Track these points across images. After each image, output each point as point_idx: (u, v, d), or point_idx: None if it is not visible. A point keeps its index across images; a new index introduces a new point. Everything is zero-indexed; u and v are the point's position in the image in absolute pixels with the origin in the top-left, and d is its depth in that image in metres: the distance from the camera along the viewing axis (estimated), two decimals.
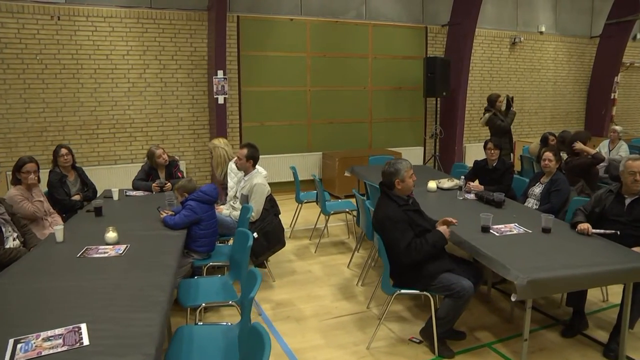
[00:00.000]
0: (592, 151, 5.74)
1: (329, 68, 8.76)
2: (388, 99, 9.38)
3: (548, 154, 4.88)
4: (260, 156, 4.87)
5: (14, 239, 3.69)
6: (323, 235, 6.09)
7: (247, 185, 4.67)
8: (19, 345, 2.05)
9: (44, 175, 5.07)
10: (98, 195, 5.25)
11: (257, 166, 4.83)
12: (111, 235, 3.51)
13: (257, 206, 4.55)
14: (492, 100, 7.42)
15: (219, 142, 5.40)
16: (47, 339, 2.11)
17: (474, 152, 9.76)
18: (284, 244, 4.80)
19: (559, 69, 11.18)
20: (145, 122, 7.71)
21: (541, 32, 10.73)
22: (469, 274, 3.50)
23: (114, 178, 7.34)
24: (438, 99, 9.23)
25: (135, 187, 5.40)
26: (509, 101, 7.62)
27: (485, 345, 3.61)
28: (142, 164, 5.68)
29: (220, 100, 7.71)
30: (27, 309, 2.48)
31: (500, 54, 10.43)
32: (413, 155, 9.50)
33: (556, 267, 3.07)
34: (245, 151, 4.71)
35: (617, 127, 7.32)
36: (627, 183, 3.72)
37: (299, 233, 6.34)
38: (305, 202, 6.31)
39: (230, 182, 5.09)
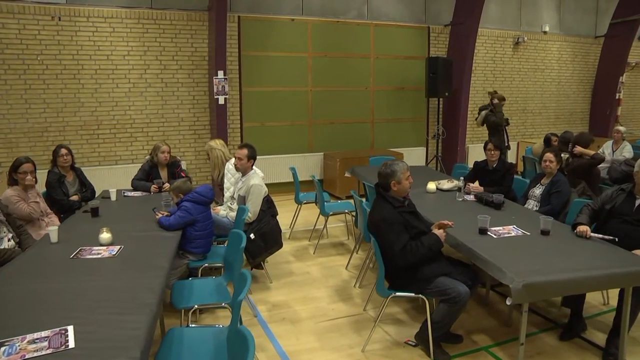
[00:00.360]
0: (591, 152, 5.68)
1: (330, 68, 8.73)
2: (390, 99, 9.34)
3: (549, 155, 4.83)
4: (261, 157, 4.85)
5: (8, 240, 3.69)
6: (322, 236, 6.07)
7: (245, 186, 4.64)
8: (2, 349, 2.03)
9: (42, 175, 5.09)
10: (96, 195, 5.25)
11: (254, 167, 4.81)
12: (105, 236, 3.49)
13: (253, 207, 4.53)
14: (491, 98, 7.43)
15: (215, 143, 5.38)
16: (33, 341, 2.09)
17: (476, 152, 9.69)
18: (281, 245, 4.77)
19: (563, 69, 11.10)
20: (146, 122, 7.71)
21: (545, 32, 10.66)
22: (466, 277, 3.46)
23: (114, 178, 7.34)
24: (440, 99, 9.18)
25: (134, 187, 5.40)
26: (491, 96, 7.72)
27: (482, 348, 3.57)
28: (142, 164, 5.67)
29: (221, 100, 7.70)
30: (16, 310, 2.47)
31: (503, 54, 10.36)
32: (415, 156, 9.46)
33: (553, 271, 3.02)
34: (246, 151, 4.69)
35: (621, 128, 7.25)
36: None
37: (298, 234, 6.31)
38: (305, 203, 6.28)
39: (227, 183, 5.07)
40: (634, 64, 11.71)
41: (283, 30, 8.32)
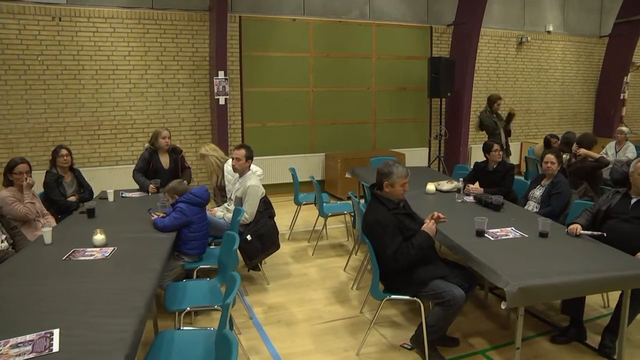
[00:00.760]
0: (596, 155, 5.61)
1: (332, 68, 8.69)
2: (392, 100, 9.29)
3: (550, 156, 4.78)
4: (263, 157, 4.82)
5: (2, 241, 3.67)
6: (322, 237, 6.03)
7: (242, 187, 4.62)
8: None
9: (41, 176, 5.09)
10: (94, 196, 5.24)
11: (252, 166, 4.78)
12: (99, 237, 3.48)
13: (250, 209, 4.50)
14: (491, 101, 7.34)
15: (206, 150, 5.32)
16: (16, 345, 2.07)
17: (479, 153, 9.53)
18: (278, 247, 4.74)
19: (567, 69, 11.00)
20: (147, 122, 7.70)
21: (549, 32, 10.57)
22: (463, 280, 3.42)
23: (115, 179, 7.33)
24: (443, 99, 9.11)
25: (135, 180, 5.36)
26: (510, 117, 7.57)
27: (479, 352, 3.53)
28: (141, 153, 5.61)
29: (221, 101, 7.68)
30: (2, 313, 2.45)
31: (507, 53, 10.29)
32: (417, 156, 9.41)
33: (550, 274, 2.97)
34: (243, 151, 4.66)
35: (624, 128, 7.16)
36: (637, 184, 3.70)
37: (298, 235, 6.28)
38: (305, 204, 6.25)
39: (229, 185, 5.03)
40: (638, 64, 11.60)
41: (284, 30, 8.29)
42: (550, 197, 4.64)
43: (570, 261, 3.18)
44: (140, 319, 2.39)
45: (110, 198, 4.98)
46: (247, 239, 4.41)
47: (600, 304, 4.24)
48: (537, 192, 4.82)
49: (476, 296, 4.32)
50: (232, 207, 4.71)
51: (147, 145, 5.58)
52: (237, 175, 4.84)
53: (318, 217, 5.93)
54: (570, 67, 11.03)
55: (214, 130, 7.91)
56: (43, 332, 2.18)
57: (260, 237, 4.51)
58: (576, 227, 3.60)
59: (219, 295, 3.37)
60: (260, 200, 4.62)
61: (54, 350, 2.05)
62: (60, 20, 6.95)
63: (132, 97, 7.56)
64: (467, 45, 9.14)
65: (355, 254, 5.35)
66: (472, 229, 3.65)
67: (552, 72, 10.85)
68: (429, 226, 3.31)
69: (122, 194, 5.24)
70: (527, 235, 3.64)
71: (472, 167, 6.33)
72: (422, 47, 9.39)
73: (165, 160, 5.49)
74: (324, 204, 5.81)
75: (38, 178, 5.08)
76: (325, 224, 5.97)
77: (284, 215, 6.48)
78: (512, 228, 3.78)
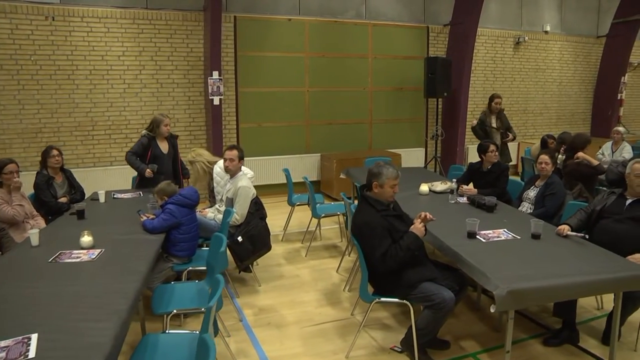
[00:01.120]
0: (595, 162, 5.56)
1: (328, 68, 8.65)
2: (388, 100, 9.25)
3: (544, 157, 4.75)
4: (258, 158, 4.77)
5: None
6: (315, 238, 6.00)
7: (233, 188, 4.58)
8: None
9: (32, 177, 5.05)
10: (86, 197, 5.20)
11: (242, 167, 4.74)
12: (86, 239, 3.44)
13: (241, 210, 4.46)
14: (489, 101, 7.28)
15: (193, 156, 5.15)
16: None
17: (476, 153, 9.56)
18: (269, 248, 4.70)
19: (564, 69, 10.97)
20: (141, 123, 7.64)
21: (546, 32, 10.54)
22: (453, 282, 3.38)
23: (109, 179, 7.30)
24: (439, 99, 9.08)
25: (129, 162, 5.27)
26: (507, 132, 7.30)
27: (470, 355, 3.49)
28: (140, 138, 5.46)
29: (216, 101, 7.64)
30: None
31: (504, 53, 10.25)
32: (414, 156, 9.38)
33: (541, 276, 2.93)
34: (236, 152, 4.62)
35: (621, 129, 7.14)
36: (633, 185, 3.67)
37: (292, 236, 6.24)
38: (298, 205, 6.21)
39: (217, 187, 4.98)
40: (636, 64, 11.57)
41: (280, 30, 8.25)
42: (544, 198, 4.60)
43: (562, 263, 3.14)
44: (122, 323, 2.34)
45: (102, 199, 4.94)
46: (238, 240, 4.38)
47: (594, 306, 4.20)
48: (532, 192, 4.79)
49: (469, 298, 4.29)
50: (222, 209, 4.67)
51: (144, 132, 5.49)
52: (227, 176, 4.79)
53: (311, 218, 5.89)
54: (567, 67, 10.99)
55: (208, 130, 7.88)
56: (20, 337, 2.14)
57: (251, 239, 4.47)
58: (564, 228, 3.59)
59: (206, 298, 3.33)
60: (252, 201, 4.58)
61: (29, 356, 2.01)
62: (53, 19, 6.91)
63: (126, 97, 7.52)
64: (464, 45, 9.10)
65: (349, 255, 5.31)
66: (464, 231, 3.62)
67: (549, 72, 10.82)
68: (417, 227, 3.27)
69: (114, 195, 5.20)
70: (519, 237, 3.60)
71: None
72: (419, 47, 9.35)
73: (164, 146, 5.43)
74: (317, 204, 5.77)
75: (30, 179, 5.05)
76: (318, 225, 5.93)
77: (278, 216, 6.44)
78: (505, 230, 3.74)
